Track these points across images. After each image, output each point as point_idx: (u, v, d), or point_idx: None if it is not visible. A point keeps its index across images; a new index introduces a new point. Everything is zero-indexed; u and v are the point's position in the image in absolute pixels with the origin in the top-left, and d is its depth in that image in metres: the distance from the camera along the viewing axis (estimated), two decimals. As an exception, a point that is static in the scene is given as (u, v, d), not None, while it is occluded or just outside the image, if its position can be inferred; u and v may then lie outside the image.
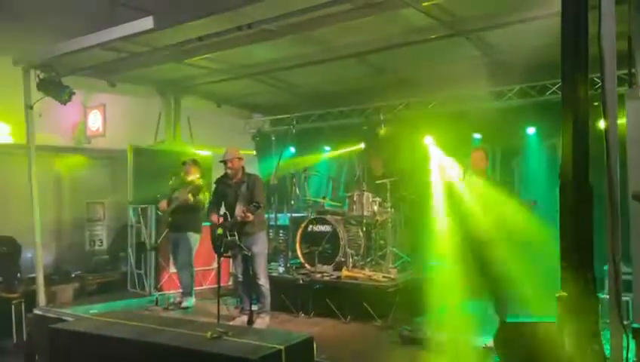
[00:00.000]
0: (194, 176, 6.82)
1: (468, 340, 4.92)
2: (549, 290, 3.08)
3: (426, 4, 5.12)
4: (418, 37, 6.09)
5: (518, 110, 7.69)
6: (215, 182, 6.06)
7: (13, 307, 6.83)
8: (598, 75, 3.19)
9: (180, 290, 7.02)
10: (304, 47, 6.47)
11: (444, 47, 6.37)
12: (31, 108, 6.82)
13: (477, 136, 7.92)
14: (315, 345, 4.17)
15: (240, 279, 5.91)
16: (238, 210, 5.57)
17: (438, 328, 5.60)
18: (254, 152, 10.05)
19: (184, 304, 6.75)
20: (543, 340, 3.30)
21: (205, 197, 6.70)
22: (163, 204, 6.89)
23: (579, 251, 2.52)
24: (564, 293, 2.50)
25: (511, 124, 7.77)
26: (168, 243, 7.24)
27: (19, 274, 7.42)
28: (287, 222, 7.77)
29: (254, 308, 5.86)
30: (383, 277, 6.21)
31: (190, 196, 6.56)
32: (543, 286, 6.11)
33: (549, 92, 7.26)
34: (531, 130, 7.65)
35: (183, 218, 6.71)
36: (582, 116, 2.90)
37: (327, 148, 9.53)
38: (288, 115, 9.35)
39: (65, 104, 6.97)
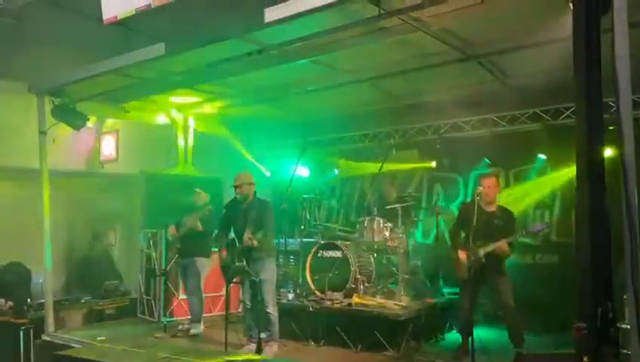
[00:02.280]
0: (203, 202, 6.82)
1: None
2: (566, 319, 2.96)
3: (436, 28, 5.12)
4: (429, 62, 6.09)
5: (532, 134, 7.63)
6: (225, 207, 6.03)
7: (22, 333, 6.79)
8: (613, 98, 3.12)
9: (189, 317, 6.94)
10: (314, 72, 6.50)
11: (455, 71, 6.36)
12: (44, 133, 6.89)
13: (487, 160, 7.85)
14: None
15: (248, 306, 5.82)
16: (246, 235, 5.52)
17: (452, 358, 5.46)
18: (268, 173, 10.04)
19: (192, 331, 6.65)
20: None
21: (214, 227, 6.69)
22: (172, 229, 6.88)
23: (597, 279, 2.42)
24: (582, 324, 2.39)
25: (524, 148, 7.70)
26: (178, 268, 7.20)
27: (29, 300, 7.39)
28: (297, 248, 7.69)
29: (263, 335, 5.75)
30: (395, 304, 6.07)
31: (198, 223, 6.54)
32: (560, 315, 6.00)
33: (563, 116, 7.19)
34: (543, 156, 7.55)
35: (192, 243, 6.68)
36: (596, 142, 2.83)
37: (337, 171, 9.52)
38: (300, 139, 9.36)
39: (78, 130, 7.05)
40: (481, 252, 5.21)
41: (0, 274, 7.50)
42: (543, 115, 7.42)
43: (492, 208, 5.42)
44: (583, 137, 2.84)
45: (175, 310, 7.58)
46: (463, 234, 5.53)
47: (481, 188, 5.39)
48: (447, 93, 7.26)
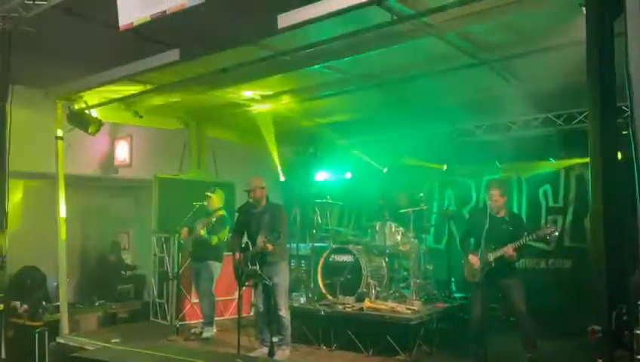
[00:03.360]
0: (216, 207, 6.87)
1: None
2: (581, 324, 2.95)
3: (448, 33, 5.13)
4: (440, 66, 6.09)
5: (544, 139, 7.61)
6: (237, 211, 6.08)
7: (37, 335, 6.87)
8: (627, 103, 3.12)
9: (202, 320, 6.98)
10: (325, 77, 6.54)
11: (467, 76, 6.35)
12: (60, 139, 7.00)
13: (499, 164, 7.85)
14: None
15: (261, 310, 5.85)
16: (260, 239, 5.55)
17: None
18: (282, 178, 10.09)
19: (205, 334, 6.70)
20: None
21: (224, 233, 6.74)
22: (185, 232, 6.94)
23: (611, 283, 2.42)
24: (597, 327, 2.39)
25: (537, 153, 7.68)
26: (190, 272, 7.26)
27: (44, 303, 7.48)
28: (308, 252, 7.71)
29: (275, 339, 5.77)
30: (407, 309, 6.07)
31: (203, 232, 6.59)
32: (574, 320, 5.96)
33: (576, 121, 7.16)
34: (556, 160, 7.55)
35: (204, 247, 6.73)
36: (610, 147, 2.83)
37: (350, 176, 9.55)
38: (311, 145, 9.40)
39: (93, 135, 7.15)
40: (491, 257, 5.22)
41: (15, 277, 7.61)
42: (556, 119, 7.41)
43: (501, 214, 5.44)
44: (596, 142, 2.85)
45: (188, 313, 7.64)
46: (472, 241, 5.55)
47: (488, 196, 5.43)
48: (458, 98, 7.26)
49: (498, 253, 5.19)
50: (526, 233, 5.24)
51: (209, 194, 6.92)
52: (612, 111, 2.86)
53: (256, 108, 7.93)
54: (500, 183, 5.65)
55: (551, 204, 7.76)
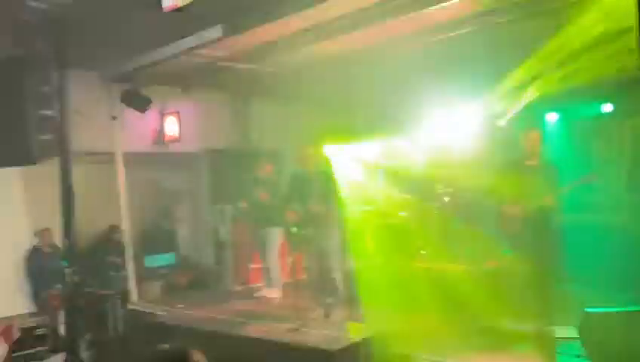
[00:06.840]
0: None
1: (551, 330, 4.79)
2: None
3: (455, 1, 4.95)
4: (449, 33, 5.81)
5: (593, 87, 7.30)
6: (291, 177, 6.26)
7: (107, 303, 7.37)
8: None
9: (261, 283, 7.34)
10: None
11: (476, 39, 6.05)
12: (115, 118, 7.33)
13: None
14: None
15: (314, 273, 6.07)
16: (312, 205, 5.73)
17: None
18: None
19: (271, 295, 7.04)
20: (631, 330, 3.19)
21: None
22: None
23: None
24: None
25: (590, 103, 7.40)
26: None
27: (111, 273, 7.97)
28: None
29: (329, 300, 5.99)
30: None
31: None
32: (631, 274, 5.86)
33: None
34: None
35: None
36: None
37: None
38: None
39: (144, 112, 7.43)
40: (526, 207, 4.98)
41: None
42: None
43: (535, 162, 5.19)
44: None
45: (246, 278, 7.98)
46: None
47: (527, 140, 5.24)
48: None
49: (532, 204, 4.96)
50: (564, 182, 5.03)
51: None
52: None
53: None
54: (537, 129, 5.49)
55: (604, 155, 7.50)
